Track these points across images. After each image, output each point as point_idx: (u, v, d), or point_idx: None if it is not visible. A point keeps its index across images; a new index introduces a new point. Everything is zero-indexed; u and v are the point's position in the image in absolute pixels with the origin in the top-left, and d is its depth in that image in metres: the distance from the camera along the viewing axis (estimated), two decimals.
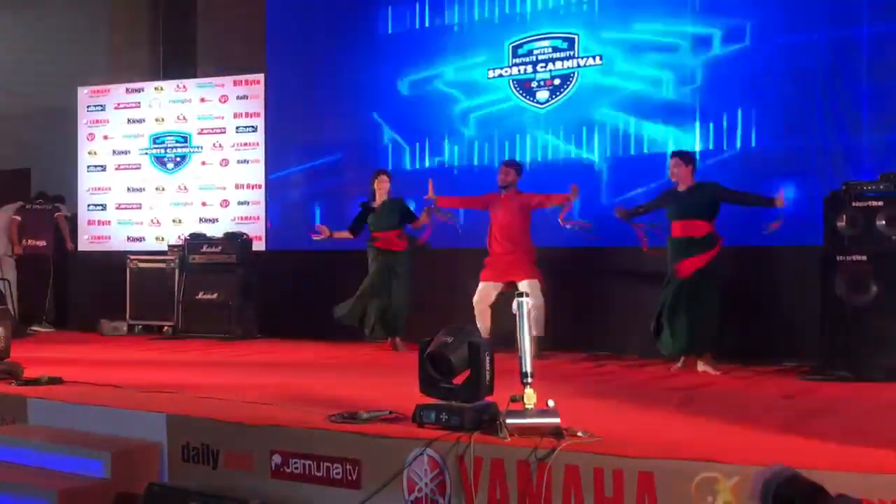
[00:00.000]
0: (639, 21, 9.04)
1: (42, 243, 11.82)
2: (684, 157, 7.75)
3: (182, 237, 11.20)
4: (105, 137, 12.12)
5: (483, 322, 8.30)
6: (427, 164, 10.20)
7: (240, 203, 11.43)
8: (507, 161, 8.83)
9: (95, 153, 12.16)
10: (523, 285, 7.74)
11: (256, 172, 11.36)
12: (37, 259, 11.80)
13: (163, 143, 11.85)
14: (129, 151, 12.00)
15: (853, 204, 6.96)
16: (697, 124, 8.70)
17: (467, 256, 9.14)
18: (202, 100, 11.67)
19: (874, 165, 7.55)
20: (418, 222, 9.19)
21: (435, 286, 9.69)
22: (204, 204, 11.60)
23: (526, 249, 8.47)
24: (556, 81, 9.41)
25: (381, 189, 9.26)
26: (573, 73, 9.33)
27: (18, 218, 11.83)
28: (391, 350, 9.11)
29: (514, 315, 4.66)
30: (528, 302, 4.70)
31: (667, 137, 8.84)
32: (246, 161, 11.39)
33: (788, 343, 7.84)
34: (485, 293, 8.40)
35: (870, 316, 6.82)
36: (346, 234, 9.39)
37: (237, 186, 11.43)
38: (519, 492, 4.13)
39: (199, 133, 11.67)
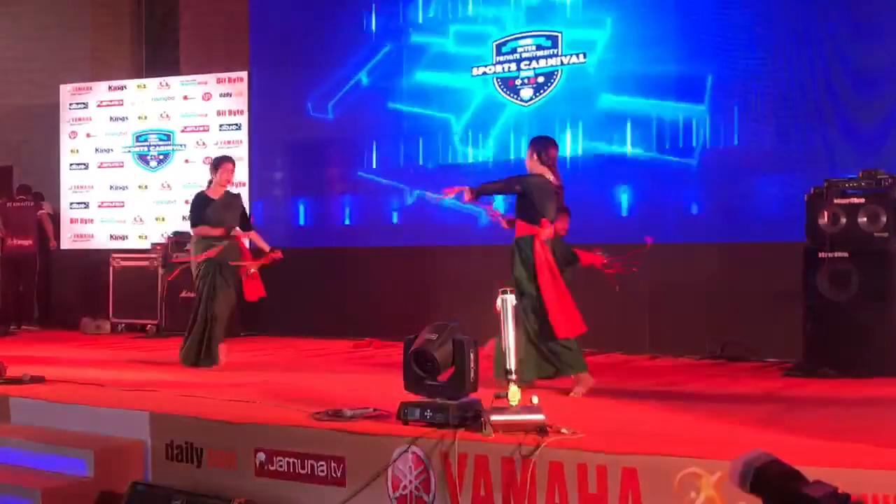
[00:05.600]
0: (623, 18, 9.05)
1: (28, 242, 11.75)
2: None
3: (165, 235, 11.16)
4: (88, 135, 12.05)
5: None
6: (412, 162, 10.19)
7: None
8: None
9: (78, 151, 12.09)
10: None
11: (240, 171, 11.29)
12: (23, 258, 11.73)
13: (146, 140, 11.80)
14: (112, 149, 11.94)
15: (835, 201, 7.00)
16: (681, 123, 8.72)
17: (449, 255, 9.15)
18: (185, 98, 11.61)
19: (855, 162, 7.59)
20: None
21: (419, 284, 9.70)
22: (187, 202, 11.47)
23: None
24: (540, 79, 9.42)
25: (228, 179, 7.99)
26: (557, 70, 9.34)
27: None
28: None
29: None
30: (512, 299, 4.72)
31: (651, 136, 8.86)
32: None
33: (771, 340, 7.87)
34: None
35: (852, 312, 6.86)
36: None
37: None
38: (503, 488, 4.14)
39: (183, 131, 11.62)
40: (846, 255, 6.92)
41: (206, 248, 7.71)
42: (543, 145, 6.51)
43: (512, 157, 9.44)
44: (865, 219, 6.92)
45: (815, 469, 3.53)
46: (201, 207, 7.81)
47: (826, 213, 7.00)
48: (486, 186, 6.49)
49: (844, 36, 7.99)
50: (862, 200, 6.95)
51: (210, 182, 7.93)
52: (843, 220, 6.96)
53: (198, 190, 8.08)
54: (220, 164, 7.97)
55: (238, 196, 8.19)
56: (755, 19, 8.45)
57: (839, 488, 1.77)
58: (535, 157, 6.44)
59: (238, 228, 7.96)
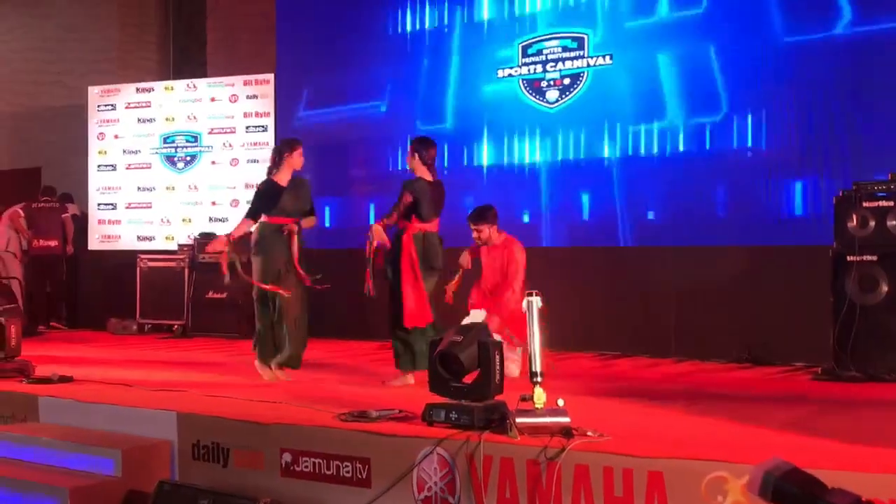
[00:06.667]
0: (649, 20, 9.01)
1: (54, 243, 11.84)
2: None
3: (192, 236, 11.23)
4: (115, 137, 12.16)
5: None
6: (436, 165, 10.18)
7: (249, 203, 11.41)
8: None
9: (106, 152, 12.19)
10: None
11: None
12: (49, 259, 11.83)
13: (173, 142, 11.88)
14: (140, 151, 12.04)
15: (864, 204, 6.93)
16: (708, 125, 8.68)
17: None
18: (212, 99, 11.69)
19: (884, 165, 7.52)
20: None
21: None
22: (214, 203, 11.63)
23: None
24: (566, 81, 9.40)
25: (298, 164, 7.35)
26: (583, 72, 9.31)
27: (21, 213, 11.76)
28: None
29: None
30: (538, 301, 4.71)
31: (678, 138, 8.82)
32: (256, 161, 11.36)
33: (799, 343, 7.81)
34: None
35: (880, 316, 6.80)
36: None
37: (247, 186, 11.40)
38: (528, 491, 4.13)
39: (210, 133, 11.70)
40: (875, 258, 6.85)
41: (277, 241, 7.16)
42: (425, 146, 7.02)
43: (538, 158, 9.42)
44: (895, 222, 6.86)
45: (843, 473, 3.51)
46: (274, 196, 7.18)
47: (855, 217, 6.94)
48: (388, 219, 7.04)
49: (874, 35, 7.92)
50: (891, 203, 6.86)
51: (273, 169, 7.27)
52: (872, 224, 6.90)
53: (259, 181, 7.58)
54: (295, 147, 7.23)
55: (305, 179, 7.46)
56: (781, 20, 8.40)
57: (863, 496, 1.75)
58: (416, 157, 6.97)
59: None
